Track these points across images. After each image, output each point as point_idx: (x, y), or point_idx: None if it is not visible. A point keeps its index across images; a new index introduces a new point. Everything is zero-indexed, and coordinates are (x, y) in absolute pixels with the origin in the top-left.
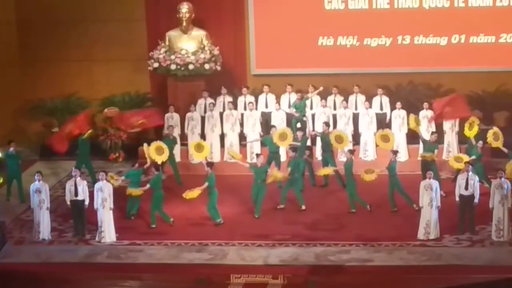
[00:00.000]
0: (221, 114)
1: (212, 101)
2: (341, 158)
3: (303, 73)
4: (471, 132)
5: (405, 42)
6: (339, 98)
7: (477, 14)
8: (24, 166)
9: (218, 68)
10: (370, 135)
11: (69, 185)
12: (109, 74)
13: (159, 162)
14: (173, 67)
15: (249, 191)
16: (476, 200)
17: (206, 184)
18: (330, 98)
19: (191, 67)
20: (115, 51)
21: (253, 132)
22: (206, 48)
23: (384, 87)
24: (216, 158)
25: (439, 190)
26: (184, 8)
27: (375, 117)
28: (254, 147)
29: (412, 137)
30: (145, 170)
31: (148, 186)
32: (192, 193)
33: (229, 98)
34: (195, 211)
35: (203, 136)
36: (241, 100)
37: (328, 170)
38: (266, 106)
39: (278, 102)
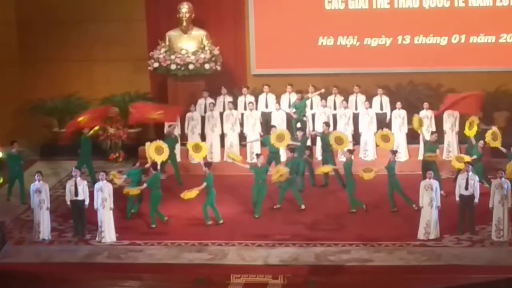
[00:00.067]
0: (221, 114)
1: (212, 101)
2: (341, 158)
3: (303, 73)
4: (471, 132)
5: (405, 42)
6: (339, 98)
7: (477, 14)
8: (24, 166)
9: (218, 68)
10: (370, 135)
11: (69, 185)
12: (109, 74)
13: (159, 162)
14: (173, 67)
15: (249, 191)
16: (476, 200)
17: (204, 184)
18: (330, 98)
19: (191, 67)
20: (115, 51)
21: (253, 132)
22: (206, 48)
23: (384, 87)
24: (216, 158)
25: (439, 190)
26: (184, 8)
27: (375, 117)
28: (254, 147)
29: (412, 137)
30: (146, 169)
31: (144, 185)
32: (190, 194)
33: (229, 98)
34: (195, 211)
35: (203, 136)
36: (241, 100)
37: (328, 168)
38: (266, 106)
39: (278, 102)
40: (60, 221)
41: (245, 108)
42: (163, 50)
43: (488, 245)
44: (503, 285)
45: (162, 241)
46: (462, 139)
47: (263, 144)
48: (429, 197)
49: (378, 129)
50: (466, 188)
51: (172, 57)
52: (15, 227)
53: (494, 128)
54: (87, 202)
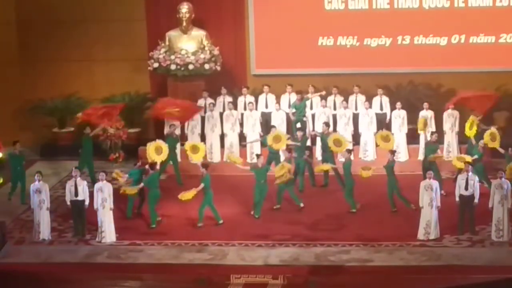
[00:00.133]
0: (221, 114)
1: (212, 101)
2: (341, 158)
3: (303, 73)
4: (471, 132)
5: (405, 42)
6: (339, 98)
7: (477, 14)
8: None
9: (218, 68)
10: (370, 135)
11: (69, 185)
12: (109, 74)
13: (158, 162)
14: (173, 67)
15: (249, 191)
16: (476, 200)
17: (202, 185)
18: (330, 98)
19: (191, 67)
20: (115, 51)
21: (253, 132)
22: (206, 48)
23: (384, 87)
24: (216, 158)
25: (439, 190)
26: (184, 8)
27: (375, 117)
28: (254, 147)
29: (412, 137)
30: (146, 169)
31: (142, 184)
32: (188, 194)
33: (229, 98)
34: (195, 211)
35: (203, 136)
36: (241, 100)
37: (327, 166)
38: (266, 106)
39: (278, 102)
40: (60, 221)
41: (245, 108)
42: (163, 50)
43: (488, 245)
44: (503, 285)
45: (162, 241)
46: (462, 139)
47: (263, 144)
48: (429, 197)
49: (378, 129)
50: (466, 188)
51: (172, 57)
52: (15, 227)
53: (493, 129)
54: (87, 202)
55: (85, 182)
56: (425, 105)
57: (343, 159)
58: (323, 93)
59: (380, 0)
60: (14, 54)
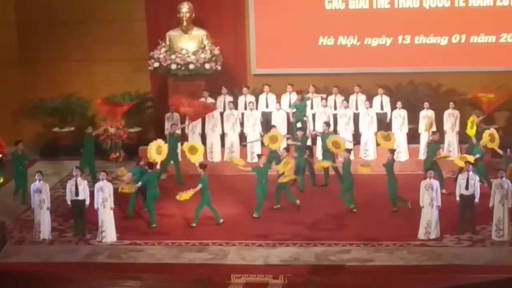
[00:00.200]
0: (221, 114)
1: (213, 100)
2: (341, 158)
3: (303, 73)
4: (472, 131)
5: (405, 42)
6: (339, 98)
7: (478, 14)
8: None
9: (219, 67)
10: (371, 135)
11: (70, 185)
12: (109, 74)
13: (159, 162)
14: (173, 66)
15: (249, 191)
16: (476, 200)
17: (200, 186)
18: (331, 98)
19: (191, 66)
20: (115, 51)
21: (254, 132)
22: (207, 47)
23: (385, 87)
24: (217, 158)
25: (440, 190)
26: (185, 8)
27: (376, 117)
28: (255, 147)
29: (413, 136)
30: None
31: (139, 183)
32: (185, 195)
33: (229, 98)
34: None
35: (203, 136)
36: (241, 99)
37: (326, 164)
38: (267, 106)
39: (278, 102)
40: (60, 221)
41: (245, 108)
42: (163, 50)
43: (489, 245)
44: (503, 285)
45: (163, 241)
46: (463, 138)
47: (264, 144)
48: (430, 196)
49: (378, 129)
50: (467, 188)
51: (173, 57)
52: (16, 227)
53: (492, 130)
54: (87, 202)
55: (85, 182)
56: (426, 104)
57: (342, 159)
58: (324, 95)
59: (380, 0)
60: (14, 54)
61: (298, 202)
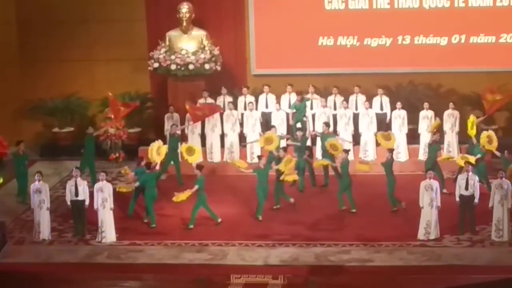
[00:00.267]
0: (221, 114)
1: (212, 101)
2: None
3: (303, 73)
4: (472, 131)
5: (405, 42)
6: (339, 98)
7: (477, 14)
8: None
9: (218, 68)
10: (370, 135)
11: (70, 185)
12: (109, 74)
13: (158, 162)
14: (173, 67)
15: (249, 191)
16: (476, 200)
17: (196, 187)
18: (331, 98)
19: (191, 67)
20: (115, 51)
21: (253, 132)
22: (206, 48)
23: (385, 87)
24: (216, 158)
25: (439, 190)
26: (184, 8)
27: (375, 117)
28: (254, 147)
29: (412, 137)
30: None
31: (137, 183)
32: (182, 196)
33: (229, 98)
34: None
35: (203, 136)
36: (241, 100)
37: (326, 161)
38: (266, 106)
39: (278, 102)
40: (60, 221)
41: (245, 108)
42: (163, 50)
43: (488, 245)
44: (503, 285)
45: (162, 241)
46: (462, 139)
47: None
48: (430, 197)
49: (378, 129)
50: (466, 188)
51: (172, 57)
52: (15, 227)
53: (490, 131)
54: (87, 202)
55: (85, 182)
56: (426, 105)
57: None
58: (324, 99)
59: (380, 0)
60: (14, 54)
61: (292, 200)
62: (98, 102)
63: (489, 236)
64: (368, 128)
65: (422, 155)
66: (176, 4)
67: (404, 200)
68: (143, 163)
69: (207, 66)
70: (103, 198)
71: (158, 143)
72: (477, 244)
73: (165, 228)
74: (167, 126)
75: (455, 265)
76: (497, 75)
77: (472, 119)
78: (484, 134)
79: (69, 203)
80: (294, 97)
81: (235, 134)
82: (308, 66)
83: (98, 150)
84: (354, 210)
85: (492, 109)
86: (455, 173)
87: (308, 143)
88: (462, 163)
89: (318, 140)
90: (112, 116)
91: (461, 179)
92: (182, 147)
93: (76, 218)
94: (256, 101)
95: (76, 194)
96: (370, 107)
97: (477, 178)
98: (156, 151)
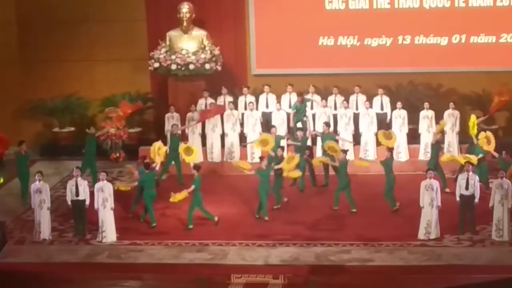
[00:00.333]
0: (221, 114)
1: (213, 101)
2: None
3: (303, 73)
4: (473, 131)
5: (405, 42)
6: (339, 98)
7: (478, 14)
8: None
9: (219, 68)
10: (371, 135)
11: (70, 185)
12: (109, 74)
13: (158, 162)
14: (173, 67)
15: (249, 191)
16: (476, 200)
17: (193, 187)
18: (331, 98)
19: (191, 67)
20: (115, 51)
21: (254, 132)
22: (207, 48)
23: (385, 87)
24: (217, 158)
25: (440, 190)
26: (185, 8)
27: (376, 117)
28: (255, 147)
29: (413, 137)
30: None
31: (136, 183)
32: (179, 196)
33: (229, 98)
34: (196, 211)
35: (203, 136)
36: (241, 100)
37: (325, 159)
38: (267, 106)
39: (278, 102)
40: (60, 221)
41: (245, 108)
42: (163, 50)
43: (489, 245)
44: (503, 285)
45: (163, 241)
46: (463, 139)
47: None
48: (430, 197)
49: (378, 129)
50: (467, 188)
51: (173, 57)
52: (16, 227)
53: (488, 132)
54: (87, 202)
55: (86, 182)
56: (426, 105)
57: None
58: (324, 101)
59: (380, 0)
60: (14, 54)
61: (285, 199)
62: (98, 102)
63: (489, 236)
64: (368, 128)
65: (422, 155)
66: (176, 4)
67: (404, 200)
68: (145, 162)
69: (207, 66)
70: (103, 198)
71: (158, 143)
72: (478, 244)
73: (166, 228)
74: (168, 126)
75: (456, 264)
76: (497, 75)
77: (473, 119)
78: (482, 135)
79: (69, 203)
80: (294, 97)
81: (235, 134)
82: (309, 66)
83: (99, 150)
84: (354, 210)
85: (494, 109)
86: (455, 173)
87: (309, 143)
88: (463, 161)
89: (319, 140)
90: (115, 116)
91: (461, 179)
92: (180, 147)
93: (77, 218)
94: (257, 101)
95: (77, 194)
96: (371, 107)
97: (477, 178)
98: (157, 152)
